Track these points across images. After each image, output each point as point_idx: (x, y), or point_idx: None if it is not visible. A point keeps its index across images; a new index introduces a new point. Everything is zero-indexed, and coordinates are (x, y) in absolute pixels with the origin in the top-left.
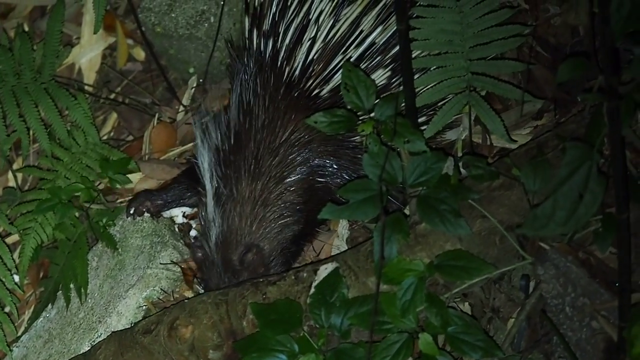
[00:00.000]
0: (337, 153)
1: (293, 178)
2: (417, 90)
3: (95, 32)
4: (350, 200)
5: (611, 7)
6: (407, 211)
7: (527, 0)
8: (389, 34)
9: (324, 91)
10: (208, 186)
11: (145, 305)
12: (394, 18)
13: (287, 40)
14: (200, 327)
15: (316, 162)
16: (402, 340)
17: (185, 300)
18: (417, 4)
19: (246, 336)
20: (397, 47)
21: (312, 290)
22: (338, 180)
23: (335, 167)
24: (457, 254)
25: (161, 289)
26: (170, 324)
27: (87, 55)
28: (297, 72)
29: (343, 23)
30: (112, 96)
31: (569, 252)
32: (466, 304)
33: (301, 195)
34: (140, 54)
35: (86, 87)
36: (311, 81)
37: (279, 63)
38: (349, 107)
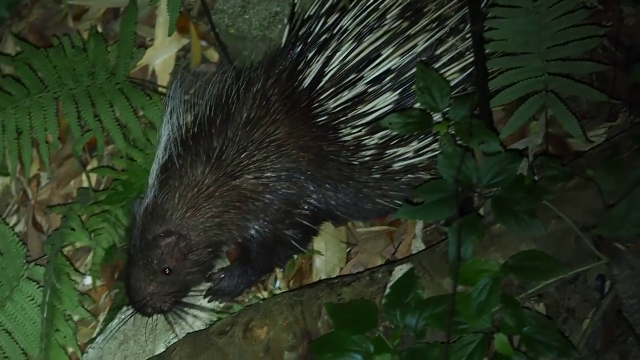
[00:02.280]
0: (321, 164)
1: (255, 180)
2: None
3: (169, 35)
4: (425, 201)
5: None
6: (481, 212)
7: (601, 0)
8: (405, 61)
9: (328, 106)
10: (159, 154)
11: (221, 307)
12: (414, 46)
13: (306, 49)
14: (275, 328)
15: (289, 168)
16: (477, 341)
17: (260, 302)
18: (493, 4)
19: (321, 336)
20: (408, 73)
21: (387, 290)
22: (314, 194)
23: (313, 177)
24: (532, 255)
25: None
26: (245, 325)
27: (161, 56)
28: (307, 81)
29: (365, 46)
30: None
31: None
32: (541, 304)
33: (259, 202)
34: (213, 55)
35: (160, 89)
36: (318, 93)
37: (294, 68)
38: (422, 107)
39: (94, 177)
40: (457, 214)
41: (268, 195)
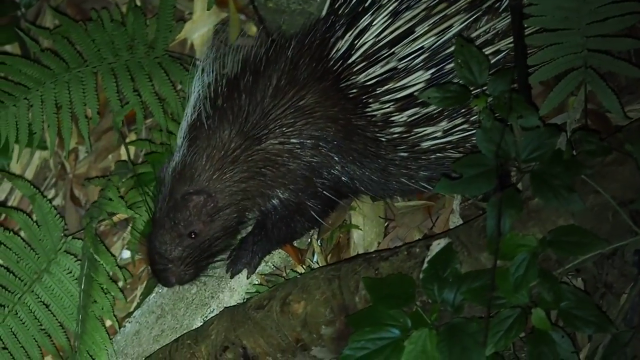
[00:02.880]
0: (348, 136)
1: (281, 145)
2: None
3: (208, 9)
4: (463, 175)
5: None
6: (519, 186)
7: None
8: (439, 41)
9: (359, 80)
10: (188, 112)
11: (258, 281)
12: (449, 27)
13: (342, 22)
14: (312, 303)
15: (316, 136)
16: (515, 315)
17: (298, 276)
18: None
19: (359, 311)
20: (443, 53)
21: (425, 265)
22: (338, 166)
23: (339, 148)
24: (570, 230)
25: (273, 265)
26: (283, 300)
27: (200, 30)
28: (339, 53)
29: (401, 24)
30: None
31: None
32: (579, 279)
33: (282, 168)
34: (252, 29)
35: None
36: (349, 66)
37: (326, 40)
38: (461, 82)
39: (132, 150)
40: (496, 188)
41: (292, 162)
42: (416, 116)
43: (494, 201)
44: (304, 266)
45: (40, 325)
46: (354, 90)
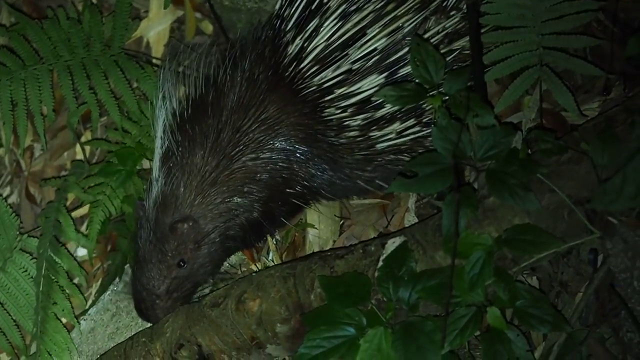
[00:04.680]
0: (311, 142)
1: (253, 162)
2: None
3: (165, 7)
4: (419, 174)
5: None
6: (475, 185)
7: None
8: (391, 43)
9: (313, 84)
10: (158, 144)
11: (213, 279)
12: (400, 27)
13: (291, 26)
14: (267, 301)
15: (284, 147)
16: (471, 314)
17: (253, 274)
18: None
19: (314, 309)
20: (395, 56)
21: (380, 263)
22: (303, 174)
23: (304, 156)
24: (526, 228)
25: (229, 263)
26: (238, 298)
27: (156, 28)
28: (289, 58)
29: (350, 26)
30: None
31: (637, 226)
32: (534, 278)
33: (259, 183)
34: (208, 27)
35: (154, 60)
36: (302, 70)
37: (277, 46)
38: (417, 81)
39: (87, 149)
40: (452, 187)
41: (265, 176)
42: (369, 119)
43: (450, 200)
44: (259, 264)
45: None
46: (310, 95)
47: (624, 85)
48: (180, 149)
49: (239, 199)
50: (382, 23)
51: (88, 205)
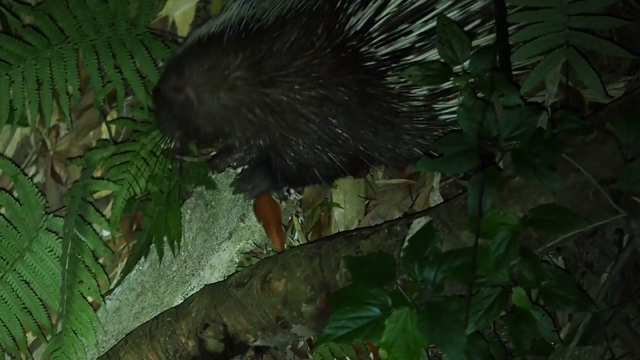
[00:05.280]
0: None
1: (280, 98)
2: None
3: None
4: (444, 154)
5: None
6: (500, 165)
7: None
8: (461, 17)
9: (377, 52)
10: (215, 22)
11: (239, 259)
12: (471, 2)
13: None
14: (293, 281)
15: (320, 99)
16: (496, 294)
17: (278, 254)
18: None
19: (339, 289)
20: (466, 28)
21: (405, 243)
22: (342, 135)
23: (344, 119)
24: (551, 208)
25: (254, 243)
26: (264, 277)
27: (181, 7)
28: (359, 25)
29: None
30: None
31: None
32: (560, 258)
33: (274, 117)
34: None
35: (180, 40)
36: (368, 38)
37: (345, 9)
38: (442, 60)
39: (113, 128)
40: (477, 166)
41: (289, 115)
42: (436, 90)
43: (475, 179)
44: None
45: (23, 303)
46: (372, 63)
47: None
48: (229, 44)
49: (245, 118)
50: None
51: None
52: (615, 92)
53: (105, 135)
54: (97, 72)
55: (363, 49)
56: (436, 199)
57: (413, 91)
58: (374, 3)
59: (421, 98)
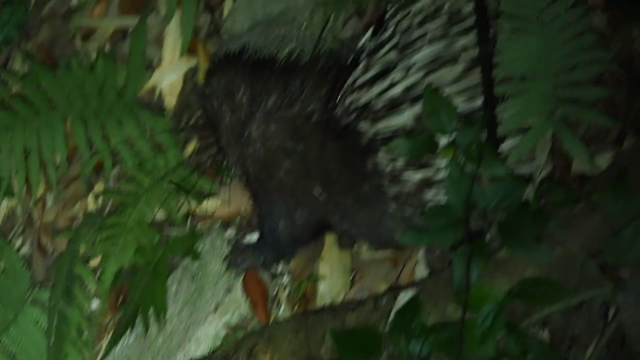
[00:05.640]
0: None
1: (262, 151)
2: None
3: (181, 55)
4: (431, 226)
5: None
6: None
7: (609, 22)
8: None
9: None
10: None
11: (225, 332)
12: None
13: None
14: (279, 354)
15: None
16: None
17: (265, 327)
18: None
19: None
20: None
21: (392, 316)
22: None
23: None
24: (537, 281)
25: (240, 315)
26: (249, 351)
27: (169, 78)
28: (357, 103)
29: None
30: (193, 119)
31: None
32: (546, 330)
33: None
34: None
35: (167, 110)
36: (357, 116)
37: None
38: (430, 131)
39: (100, 199)
40: (464, 239)
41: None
42: (428, 178)
43: (462, 252)
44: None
45: None
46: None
47: (636, 136)
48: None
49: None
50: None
51: (100, 257)
52: (603, 163)
53: (92, 206)
54: (85, 142)
55: (359, 125)
56: (422, 271)
57: (405, 174)
58: (379, 83)
59: (411, 184)
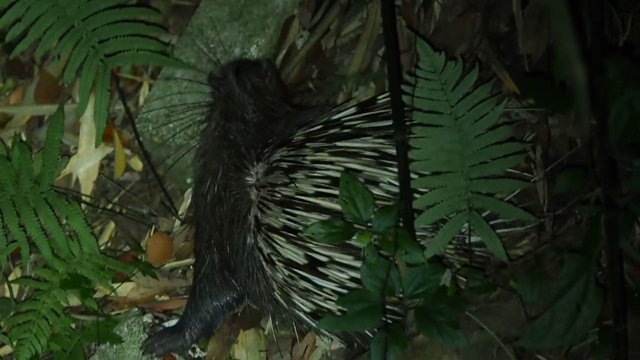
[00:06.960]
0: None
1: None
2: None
3: (96, 146)
4: (347, 311)
5: (609, 119)
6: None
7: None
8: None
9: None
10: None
11: None
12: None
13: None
14: None
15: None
16: None
17: None
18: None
19: None
20: None
21: None
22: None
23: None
24: None
25: None
26: None
27: (85, 165)
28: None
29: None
30: (110, 206)
31: None
32: None
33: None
34: (137, 164)
35: (84, 197)
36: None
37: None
38: (346, 218)
39: (15, 287)
40: (381, 324)
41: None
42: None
43: (379, 338)
44: None
45: None
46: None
47: (552, 224)
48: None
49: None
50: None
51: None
52: (519, 251)
53: (7, 293)
54: (1, 230)
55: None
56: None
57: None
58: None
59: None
